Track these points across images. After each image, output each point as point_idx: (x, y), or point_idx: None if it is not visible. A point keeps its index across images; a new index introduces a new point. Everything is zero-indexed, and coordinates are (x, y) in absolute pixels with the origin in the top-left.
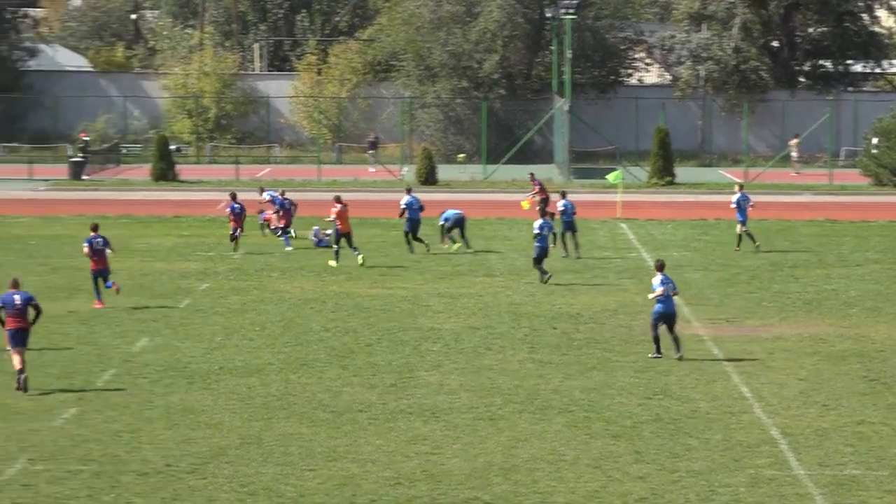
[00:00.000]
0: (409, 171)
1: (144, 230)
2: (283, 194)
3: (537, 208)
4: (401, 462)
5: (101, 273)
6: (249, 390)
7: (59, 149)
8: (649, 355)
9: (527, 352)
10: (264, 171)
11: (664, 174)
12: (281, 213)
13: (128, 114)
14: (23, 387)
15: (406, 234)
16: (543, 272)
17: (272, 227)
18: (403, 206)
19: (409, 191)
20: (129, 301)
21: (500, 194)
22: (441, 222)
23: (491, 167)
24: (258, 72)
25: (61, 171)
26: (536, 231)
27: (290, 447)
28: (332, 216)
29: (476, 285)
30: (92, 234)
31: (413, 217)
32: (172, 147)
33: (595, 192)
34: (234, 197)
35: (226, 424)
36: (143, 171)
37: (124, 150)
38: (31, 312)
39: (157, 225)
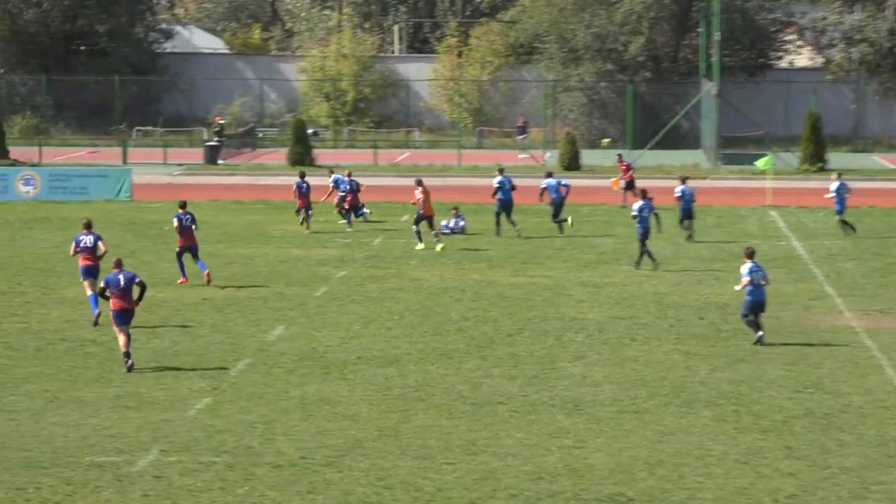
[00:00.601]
0: (552, 156)
1: (280, 216)
2: (349, 175)
3: (622, 189)
4: (542, 456)
5: (190, 249)
6: (387, 381)
7: (195, 133)
8: (754, 342)
9: (672, 343)
10: (403, 156)
11: (815, 160)
12: (347, 195)
13: (264, 97)
14: (129, 369)
15: (497, 214)
16: (649, 255)
17: (338, 209)
18: (496, 186)
19: (501, 171)
20: (264, 289)
21: (645, 180)
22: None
23: (636, 152)
24: (397, 54)
25: (196, 155)
26: (635, 213)
27: (428, 440)
28: (416, 200)
29: (620, 274)
30: (181, 210)
31: (505, 198)
32: (309, 131)
33: (744, 178)
34: (302, 176)
35: (362, 416)
36: (280, 155)
37: (260, 134)
38: (136, 291)
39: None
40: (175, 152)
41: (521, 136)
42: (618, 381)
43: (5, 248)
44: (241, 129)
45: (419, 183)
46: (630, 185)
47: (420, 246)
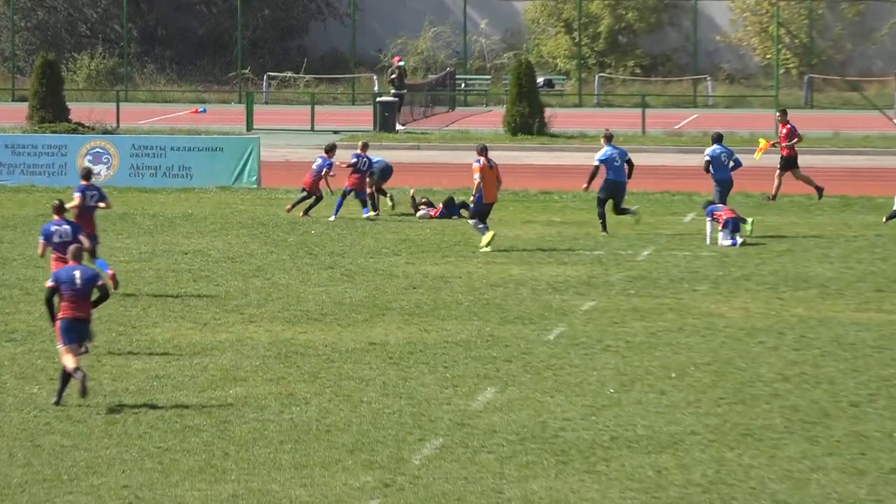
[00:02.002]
0: None
1: (495, 214)
2: (364, 148)
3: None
4: None
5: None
6: (659, 475)
7: (360, 82)
8: None
9: None
10: (687, 120)
11: None
12: (354, 173)
13: (469, 26)
14: (83, 392)
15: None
16: None
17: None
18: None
19: (608, 138)
20: (464, 328)
21: None
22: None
23: None
24: None
25: (362, 116)
26: None
27: None
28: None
29: None
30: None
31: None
32: (540, 80)
33: None
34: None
35: None
36: (492, 117)
37: (462, 85)
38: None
39: (516, 206)
40: (328, 112)
41: None
42: None
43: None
44: (432, 77)
45: (483, 152)
46: (790, 163)
47: (485, 239)
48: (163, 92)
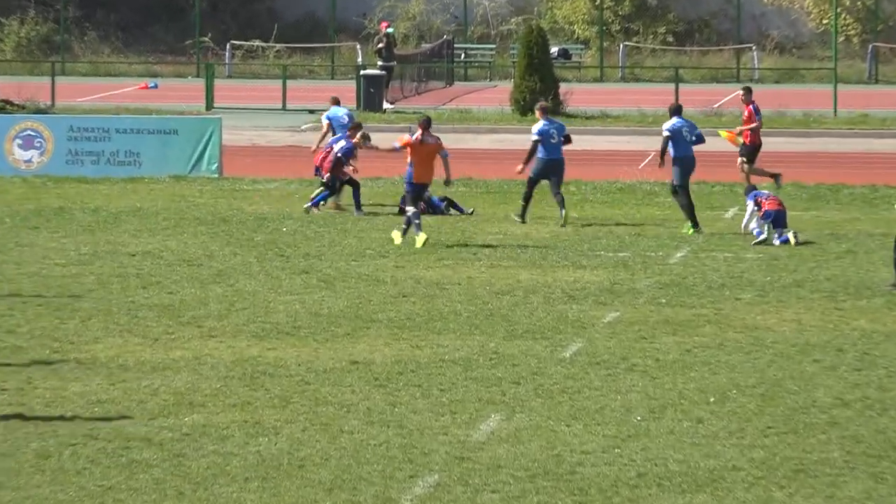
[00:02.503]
0: None
1: (505, 207)
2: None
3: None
4: None
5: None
6: None
7: (341, 52)
8: None
9: None
10: (727, 98)
11: None
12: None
13: None
14: None
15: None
16: None
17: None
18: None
19: (544, 110)
20: (464, 344)
21: None
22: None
23: None
24: None
25: (344, 92)
26: None
27: None
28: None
29: None
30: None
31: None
32: (553, 50)
33: None
34: (426, 125)
35: None
36: (498, 94)
37: (462, 56)
38: None
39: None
40: (302, 88)
41: None
42: None
43: None
44: (426, 46)
45: (424, 125)
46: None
47: (419, 240)
48: (106, 64)
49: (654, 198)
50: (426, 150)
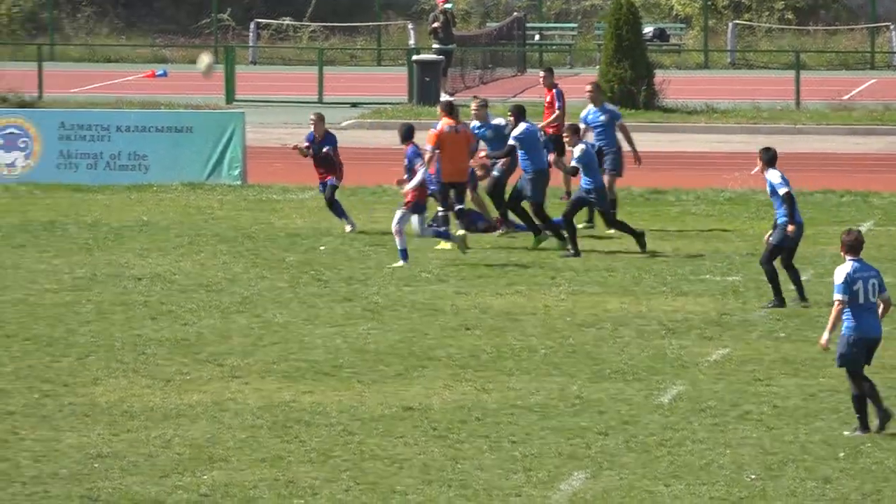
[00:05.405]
0: None
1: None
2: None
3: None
4: None
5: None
6: None
7: (389, 34)
8: None
9: None
10: (859, 88)
11: None
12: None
13: None
14: None
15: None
16: None
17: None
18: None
19: (521, 112)
20: (537, 385)
21: None
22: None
23: None
24: None
25: (393, 82)
26: None
27: None
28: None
29: None
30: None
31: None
32: (648, 30)
33: None
34: (448, 109)
35: None
36: (579, 83)
37: (536, 37)
38: None
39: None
40: (342, 75)
41: None
42: None
43: None
44: (493, 26)
45: (448, 110)
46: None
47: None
48: (104, 47)
49: (770, 209)
50: (455, 142)
